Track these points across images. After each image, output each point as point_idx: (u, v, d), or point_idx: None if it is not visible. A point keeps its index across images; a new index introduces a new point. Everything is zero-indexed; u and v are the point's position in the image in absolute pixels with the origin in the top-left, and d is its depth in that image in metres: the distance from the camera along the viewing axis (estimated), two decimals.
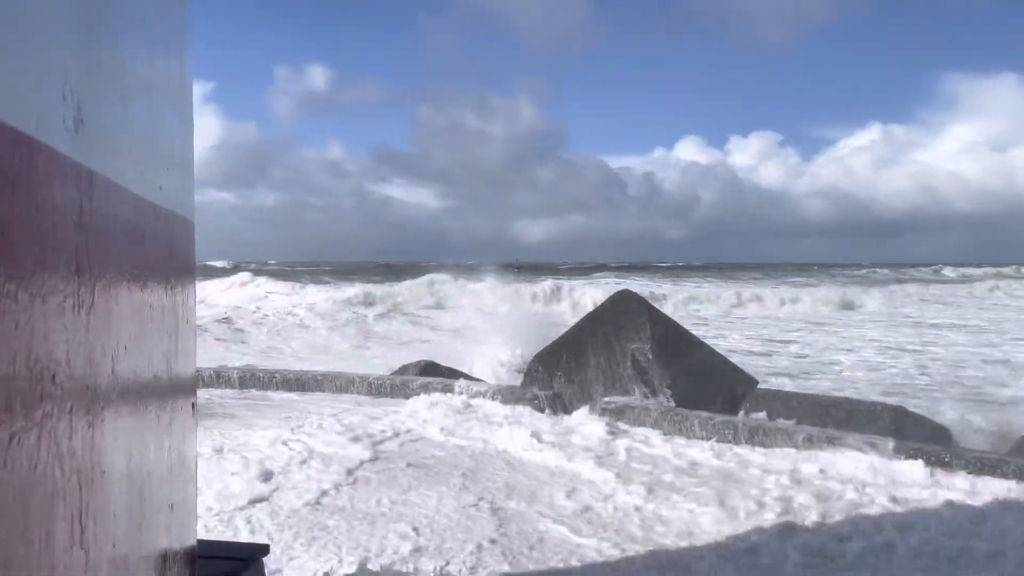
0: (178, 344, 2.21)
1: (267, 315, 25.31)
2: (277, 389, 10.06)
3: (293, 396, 9.78)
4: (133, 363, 1.71)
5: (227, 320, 24.03)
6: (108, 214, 1.45)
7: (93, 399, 1.42)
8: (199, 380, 9.95)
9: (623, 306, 9.55)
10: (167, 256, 1.95)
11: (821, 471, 6.28)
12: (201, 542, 3.07)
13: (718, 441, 7.17)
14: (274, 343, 20.48)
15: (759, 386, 9.90)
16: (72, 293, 1.25)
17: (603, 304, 9.89)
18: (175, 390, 2.20)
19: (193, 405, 2.46)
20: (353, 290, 31.63)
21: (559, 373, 8.95)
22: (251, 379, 10.32)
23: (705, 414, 7.71)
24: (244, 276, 37.81)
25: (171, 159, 2.05)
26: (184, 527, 2.36)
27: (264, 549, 3.18)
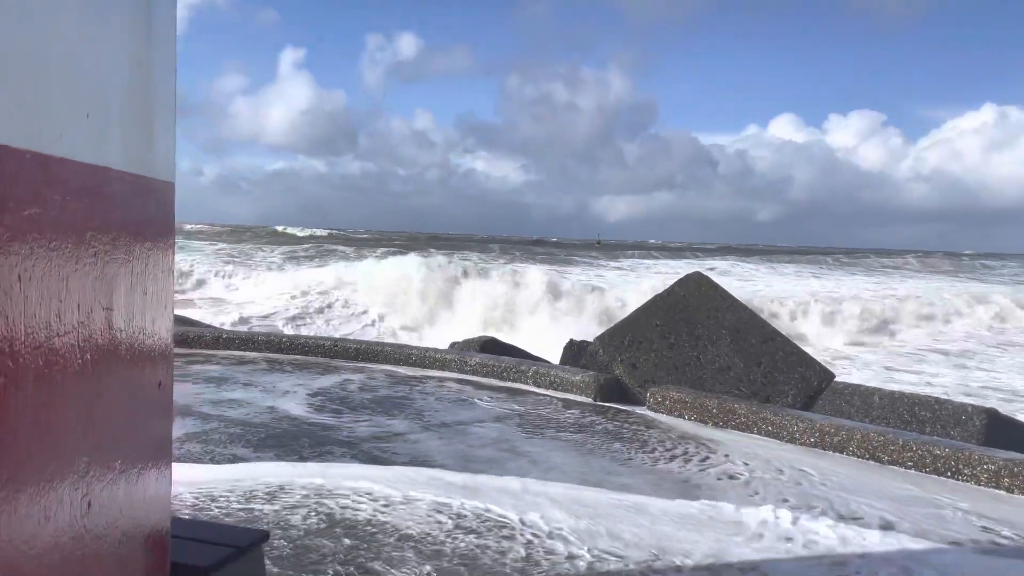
0: (145, 309, 1.94)
1: None
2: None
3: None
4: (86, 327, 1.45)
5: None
6: None
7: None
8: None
9: (694, 289, 9.03)
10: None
11: None
12: (179, 523, 2.81)
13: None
14: None
15: (836, 380, 9.30)
16: None
17: (672, 286, 9.36)
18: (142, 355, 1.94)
19: (167, 367, 2.19)
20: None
21: (620, 358, 8.51)
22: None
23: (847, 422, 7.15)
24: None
25: (103, 96, 1.66)
26: (152, 502, 2.08)
27: (263, 535, 2.89)
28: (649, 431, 6.88)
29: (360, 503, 4.35)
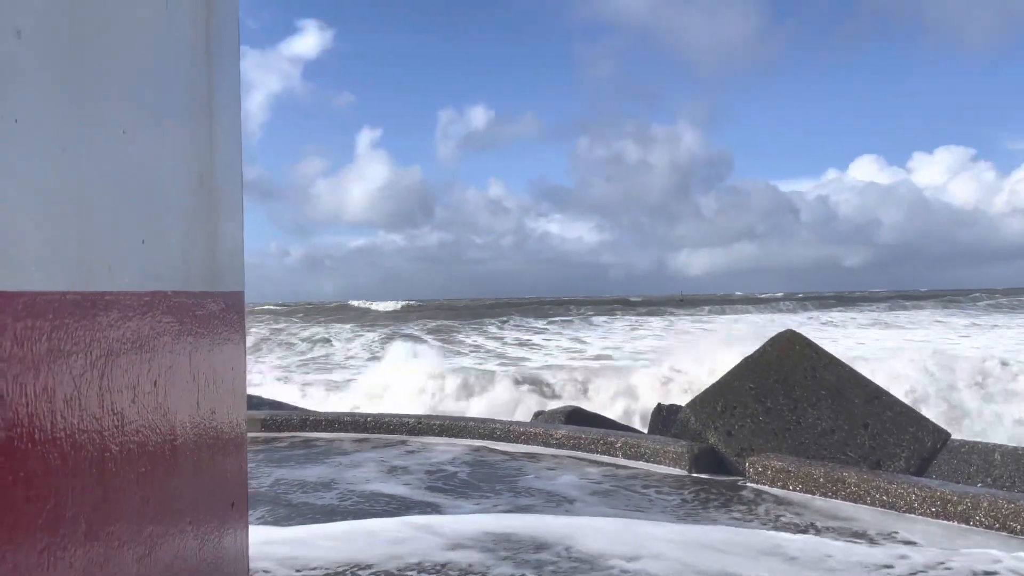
0: (215, 426, 1.84)
1: None
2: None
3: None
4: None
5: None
6: None
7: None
8: None
9: (787, 347, 8.60)
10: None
11: None
12: None
13: None
14: None
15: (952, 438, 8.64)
16: None
17: (764, 346, 8.96)
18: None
19: (241, 490, 2.07)
20: None
21: (714, 425, 8.11)
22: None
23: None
24: None
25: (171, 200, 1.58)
26: None
27: None
28: (793, 510, 6.47)
29: None
